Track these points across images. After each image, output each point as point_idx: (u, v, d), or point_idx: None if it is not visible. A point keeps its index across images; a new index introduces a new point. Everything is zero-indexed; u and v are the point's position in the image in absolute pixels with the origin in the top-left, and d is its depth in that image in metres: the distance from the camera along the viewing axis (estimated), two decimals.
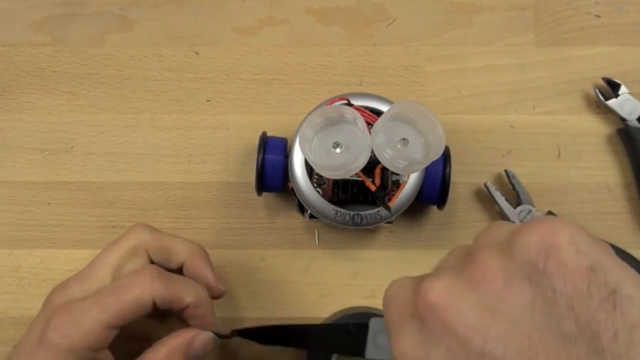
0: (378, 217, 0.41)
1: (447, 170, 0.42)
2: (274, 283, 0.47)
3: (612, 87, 0.47)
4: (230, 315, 0.47)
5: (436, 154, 0.36)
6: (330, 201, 0.41)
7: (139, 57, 0.49)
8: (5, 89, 0.48)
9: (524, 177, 0.47)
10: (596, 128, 0.48)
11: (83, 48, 0.49)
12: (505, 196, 0.46)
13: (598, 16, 0.48)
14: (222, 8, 0.49)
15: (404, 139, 0.38)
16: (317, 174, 0.41)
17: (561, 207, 0.47)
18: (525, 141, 0.47)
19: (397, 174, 0.41)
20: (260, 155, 0.43)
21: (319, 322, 0.46)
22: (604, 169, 0.47)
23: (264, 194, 0.46)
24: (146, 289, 0.37)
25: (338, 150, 0.37)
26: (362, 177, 0.40)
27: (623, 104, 0.46)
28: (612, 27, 0.48)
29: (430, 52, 0.49)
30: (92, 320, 0.36)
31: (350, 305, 0.47)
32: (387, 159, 0.36)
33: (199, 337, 0.40)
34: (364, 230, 0.47)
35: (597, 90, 0.47)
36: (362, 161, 0.37)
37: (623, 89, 0.46)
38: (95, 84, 0.48)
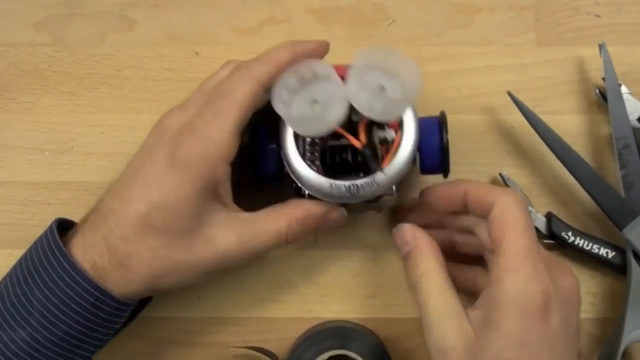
0: (374, 185, 0.39)
1: (443, 133, 0.41)
2: (274, 283, 0.47)
3: None
4: (230, 315, 0.47)
5: (413, 91, 0.36)
6: (326, 175, 0.40)
7: (139, 57, 0.49)
8: (5, 89, 0.48)
9: (524, 177, 0.47)
10: (596, 128, 0.48)
11: (83, 48, 0.49)
12: None
13: (598, 16, 0.48)
14: (222, 8, 0.49)
15: (379, 86, 0.37)
16: (309, 151, 0.40)
17: (561, 207, 0.47)
18: (525, 141, 0.47)
19: (384, 130, 0.39)
20: (253, 143, 0.42)
21: (318, 321, 0.46)
22: (604, 169, 0.47)
23: (265, 195, 0.46)
24: (249, 78, 0.38)
25: (317, 108, 0.37)
26: (346, 135, 0.39)
27: (623, 104, 0.46)
28: (612, 27, 0.48)
29: (430, 52, 0.49)
30: (220, 130, 0.37)
31: (350, 305, 0.47)
32: (363, 104, 0.36)
33: (336, 211, 0.41)
34: (364, 230, 0.47)
35: (597, 90, 0.47)
36: (339, 111, 0.36)
37: (623, 89, 0.46)
38: (95, 84, 0.48)
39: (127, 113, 0.48)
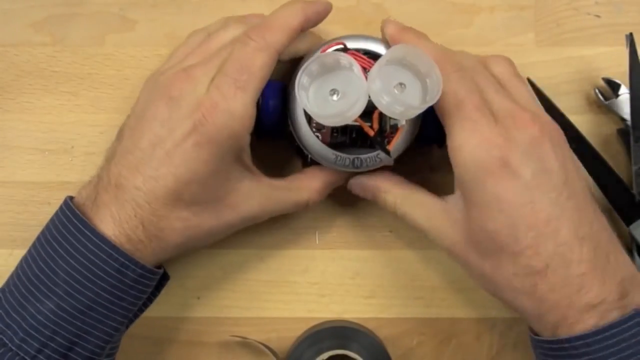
0: (377, 160, 0.41)
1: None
2: (274, 283, 0.47)
3: (612, 87, 0.47)
4: (230, 315, 0.47)
5: (433, 98, 0.36)
6: (330, 145, 0.41)
7: (139, 57, 0.49)
8: (5, 89, 0.48)
9: None
10: (596, 128, 0.48)
11: (83, 48, 0.49)
12: None
13: (598, 16, 0.48)
14: (222, 8, 0.49)
15: (400, 84, 0.37)
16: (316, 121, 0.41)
17: None
18: None
19: (397, 119, 0.41)
20: (260, 98, 0.41)
21: (318, 321, 0.46)
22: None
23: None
24: (265, 48, 0.38)
25: (335, 97, 0.37)
26: (361, 123, 0.39)
27: (623, 104, 0.46)
28: (612, 27, 0.48)
29: None
30: (243, 105, 0.38)
31: (350, 305, 0.47)
32: (383, 105, 0.36)
33: (348, 178, 0.44)
34: (364, 230, 0.47)
35: (597, 90, 0.47)
36: (359, 108, 0.36)
37: (623, 89, 0.46)
38: (95, 84, 0.48)
39: (127, 113, 0.48)
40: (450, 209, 0.39)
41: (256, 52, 0.38)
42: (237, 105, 0.37)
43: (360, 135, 0.41)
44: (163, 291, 0.43)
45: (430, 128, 0.42)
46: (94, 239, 0.36)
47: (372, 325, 0.46)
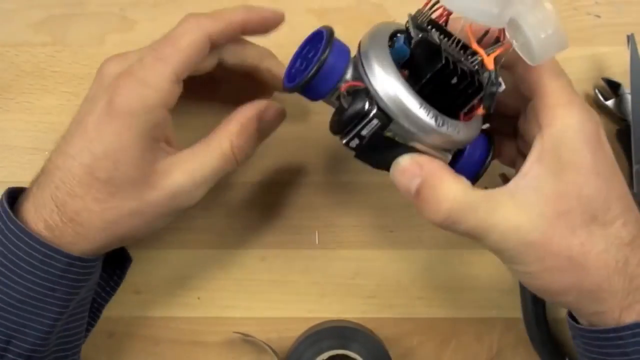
0: (456, 131, 0.34)
1: (490, 151, 0.38)
2: (274, 283, 0.47)
3: (612, 87, 0.47)
4: (230, 315, 0.47)
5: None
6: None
7: None
8: (5, 89, 0.48)
9: None
10: None
11: (83, 48, 0.49)
12: None
13: (598, 16, 0.48)
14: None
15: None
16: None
17: None
18: None
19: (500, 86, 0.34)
20: (326, 53, 0.34)
21: (318, 321, 0.46)
22: None
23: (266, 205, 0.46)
24: (196, 28, 0.37)
25: None
26: (481, 53, 0.33)
27: (623, 104, 0.46)
28: (612, 27, 0.48)
29: None
30: (160, 75, 0.36)
31: (350, 305, 0.47)
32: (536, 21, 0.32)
33: (271, 108, 0.40)
34: (363, 230, 0.47)
35: (597, 91, 0.47)
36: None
37: (623, 89, 0.46)
38: None
39: None
40: (521, 194, 0.35)
41: (187, 30, 0.38)
42: (152, 75, 0.36)
43: (456, 90, 0.33)
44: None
45: (472, 169, 0.38)
46: (16, 231, 0.36)
47: (372, 325, 0.46)
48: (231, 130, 0.39)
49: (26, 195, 0.38)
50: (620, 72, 0.45)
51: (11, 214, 0.36)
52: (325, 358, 0.42)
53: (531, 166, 0.35)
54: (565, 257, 0.34)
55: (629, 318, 0.34)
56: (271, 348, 0.45)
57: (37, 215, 0.36)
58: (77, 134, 0.37)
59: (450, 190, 0.35)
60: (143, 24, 0.49)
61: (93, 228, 0.37)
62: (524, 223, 0.34)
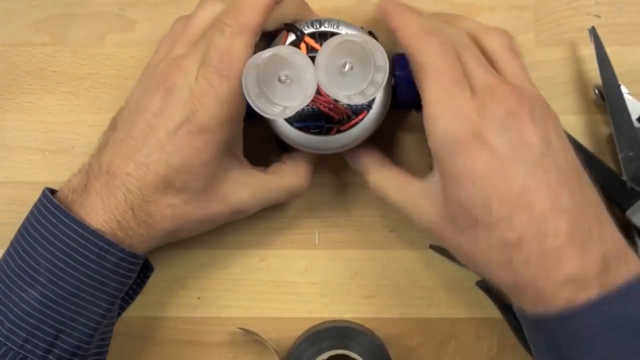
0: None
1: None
2: (274, 283, 0.47)
3: None
4: (230, 315, 0.47)
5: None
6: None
7: (139, 57, 0.49)
8: (5, 89, 0.48)
9: None
10: (595, 127, 0.48)
11: (83, 48, 0.49)
12: None
13: (598, 16, 0.48)
14: None
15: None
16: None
17: None
18: None
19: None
20: (397, 73, 0.41)
21: (318, 321, 0.46)
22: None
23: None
24: (245, 33, 0.38)
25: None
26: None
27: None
28: (612, 27, 0.48)
29: None
30: (231, 92, 0.38)
31: (350, 305, 0.47)
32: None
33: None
34: (364, 230, 0.47)
35: (596, 91, 0.47)
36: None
37: (623, 89, 0.46)
38: (95, 84, 0.48)
39: None
40: (429, 188, 0.39)
41: (233, 37, 0.38)
42: (224, 93, 0.38)
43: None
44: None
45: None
46: (73, 225, 0.37)
47: (372, 325, 0.46)
48: (301, 170, 0.44)
49: (87, 192, 0.39)
50: (620, 73, 0.45)
51: (64, 208, 0.37)
52: (325, 358, 0.42)
53: (433, 170, 0.39)
54: (458, 251, 0.39)
55: (527, 308, 0.36)
56: (272, 347, 0.45)
57: (109, 215, 0.38)
58: (150, 146, 0.38)
59: (375, 177, 0.43)
60: (143, 24, 0.49)
61: (162, 230, 0.39)
62: (428, 215, 0.39)
